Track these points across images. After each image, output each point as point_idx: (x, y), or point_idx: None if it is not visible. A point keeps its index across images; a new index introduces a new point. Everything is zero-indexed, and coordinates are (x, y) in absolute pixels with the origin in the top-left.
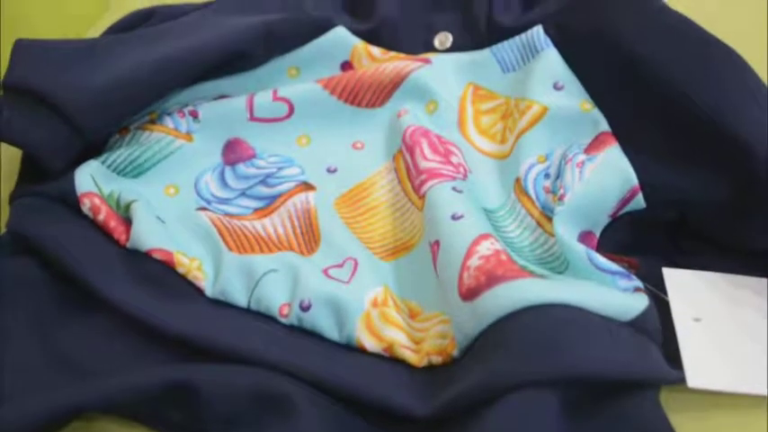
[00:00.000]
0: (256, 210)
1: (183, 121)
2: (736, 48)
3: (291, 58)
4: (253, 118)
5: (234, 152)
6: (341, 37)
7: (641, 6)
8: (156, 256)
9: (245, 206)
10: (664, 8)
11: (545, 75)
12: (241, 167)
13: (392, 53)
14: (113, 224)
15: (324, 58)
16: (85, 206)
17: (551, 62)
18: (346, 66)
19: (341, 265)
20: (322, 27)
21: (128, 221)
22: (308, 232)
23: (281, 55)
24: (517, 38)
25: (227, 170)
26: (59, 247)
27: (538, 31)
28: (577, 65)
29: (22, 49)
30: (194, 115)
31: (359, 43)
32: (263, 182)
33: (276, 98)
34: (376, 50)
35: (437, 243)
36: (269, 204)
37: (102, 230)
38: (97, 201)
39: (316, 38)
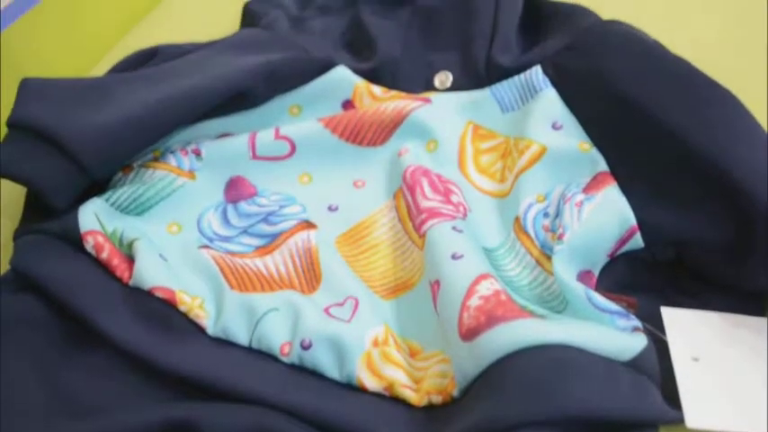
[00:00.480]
0: (258, 248)
1: (186, 159)
2: (736, 89)
3: (293, 97)
4: (255, 156)
5: (236, 190)
6: (342, 76)
7: (638, 48)
8: (159, 294)
9: (246, 244)
10: (660, 50)
11: (544, 115)
12: (243, 205)
13: (393, 92)
14: (116, 262)
15: (325, 96)
16: (89, 244)
17: (550, 102)
18: (348, 104)
19: (342, 304)
20: (323, 66)
21: (131, 259)
22: (309, 271)
23: (282, 93)
24: (516, 78)
25: (230, 208)
26: (62, 285)
27: (536, 72)
28: (575, 105)
29: (28, 87)
30: (197, 153)
31: (360, 82)
32: (265, 220)
33: (278, 137)
34: (377, 89)
35: (437, 282)
36: (270, 242)
37: (105, 268)
38: (100, 239)
39: (317, 77)
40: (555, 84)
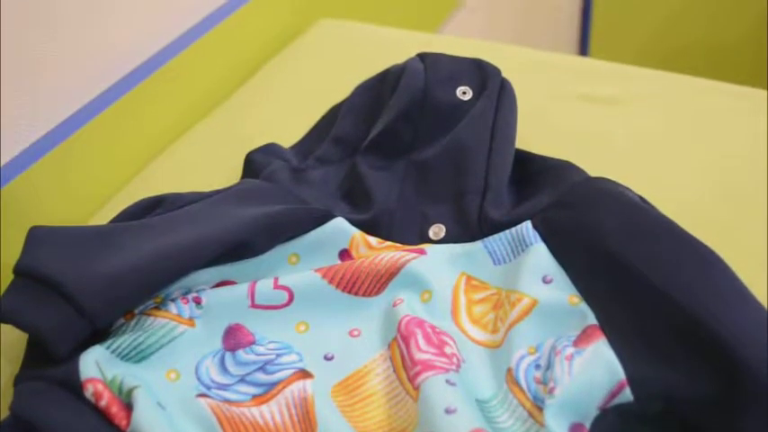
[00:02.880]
0: (255, 396)
1: (187, 307)
2: (720, 242)
3: (292, 246)
4: (254, 305)
5: (234, 338)
6: (340, 227)
7: (624, 206)
8: None
9: (243, 392)
10: (645, 209)
11: (534, 268)
12: (241, 354)
13: (388, 243)
14: (115, 410)
15: (323, 246)
16: (88, 391)
17: (540, 256)
18: (344, 254)
19: None
20: (322, 218)
21: (129, 407)
22: (304, 421)
23: (282, 243)
24: (507, 232)
25: (228, 356)
26: None
27: (527, 227)
28: (565, 259)
29: (35, 235)
30: (197, 302)
31: (357, 233)
32: (262, 368)
33: (277, 286)
34: (373, 240)
35: None
36: (267, 391)
37: (104, 416)
38: (100, 386)
39: (316, 227)
40: (545, 238)
